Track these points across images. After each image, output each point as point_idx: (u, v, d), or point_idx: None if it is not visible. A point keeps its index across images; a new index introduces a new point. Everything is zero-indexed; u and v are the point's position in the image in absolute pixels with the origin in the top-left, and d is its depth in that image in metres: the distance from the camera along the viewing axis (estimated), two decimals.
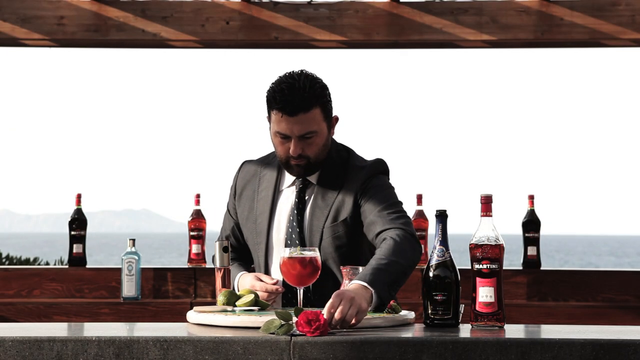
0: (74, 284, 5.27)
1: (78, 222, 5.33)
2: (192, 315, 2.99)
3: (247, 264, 3.50)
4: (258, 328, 2.74)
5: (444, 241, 2.90)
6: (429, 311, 2.88)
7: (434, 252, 2.90)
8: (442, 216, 2.91)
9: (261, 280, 3.28)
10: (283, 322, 2.68)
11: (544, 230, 5.45)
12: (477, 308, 2.82)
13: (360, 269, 3.06)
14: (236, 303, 3.10)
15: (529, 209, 5.33)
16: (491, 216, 2.87)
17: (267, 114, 3.35)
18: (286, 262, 2.99)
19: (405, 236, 3.18)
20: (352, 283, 2.98)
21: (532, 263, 5.31)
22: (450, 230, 2.93)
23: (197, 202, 5.31)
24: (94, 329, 2.84)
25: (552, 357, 2.58)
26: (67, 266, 5.37)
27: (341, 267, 3.19)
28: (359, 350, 2.60)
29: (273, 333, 2.67)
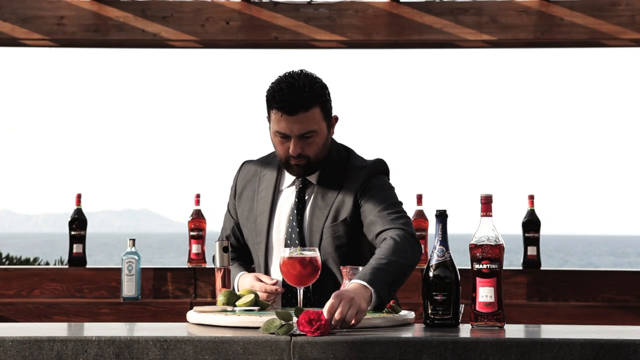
0: (74, 284, 5.27)
1: (78, 222, 5.33)
2: (192, 315, 2.99)
3: (247, 264, 3.50)
4: (258, 328, 2.74)
5: (444, 241, 2.90)
6: (429, 311, 2.88)
7: (434, 252, 2.90)
8: (442, 216, 2.91)
9: (261, 281, 3.29)
10: (283, 322, 2.68)
11: (544, 230, 5.45)
12: (477, 308, 2.82)
13: (360, 269, 3.06)
14: (236, 303, 3.10)
15: (529, 209, 5.33)
16: (491, 216, 2.87)
17: (266, 114, 3.36)
18: (286, 262, 2.99)
19: (405, 236, 3.18)
20: (352, 282, 2.98)
21: (532, 263, 5.31)
22: (450, 230, 2.93)
23: (197, 202, 5.31)
24: (94, 329, 2.84)
25: (552, 357, 2.58)
26: (67, 266, 5.37)
27: (341, 267, 3.19)
28: (359, 350, 2.60)
29: (273, 333, 2.67)
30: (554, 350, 2.58)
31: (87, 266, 5.36)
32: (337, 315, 2.76)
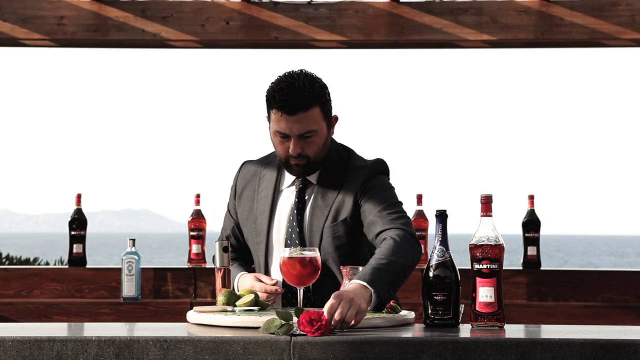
0: (74, 284, 5.27)
1: (78, 222, 5.33)
2: (192, 315, 3.00)
3: (247, 264, 3.50)
4: (258, 328, 2.74)
5: (444, 241, 2.90)
6: (429, 311, 2.88)
7: (434, 252, 2.90)
8: (442, 216, 2.91)
9: (261, 281, 3.29)
10: (283, 322, 2.68)
11: (544, 230, 5.46)
12: (477, 308, 2.82)
13: (360, 269, 3.06)
14: (236, 303, 3.10)
15: (529, 209, 5.33)
16: (491, 216, 2.87)
17: (266, 114, 3.36)
18: (286, 262, 2.99)
19: (405, 236, 3.18)
20: (352, 283, 2.98)
21: (532, 263, 5.31)
22: (450, 230, 2.93)
23: (197, 202, 5.31)
24: (94, 329, 2.84)
25: (552, 357, 2.58)
26: (67, 266, 5.37)
27: (341, 267, 3.19)
28: (359, 350, 2.60)
29: (273, 333, 2.67)
30: (554, 350, 2.58)
31: (87, 266, 5.36)
32: (337, 316, 2.76)
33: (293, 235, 3.34)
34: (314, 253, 3.01)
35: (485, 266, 2.82)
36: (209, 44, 5.70)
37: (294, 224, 3.35)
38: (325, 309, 2.75)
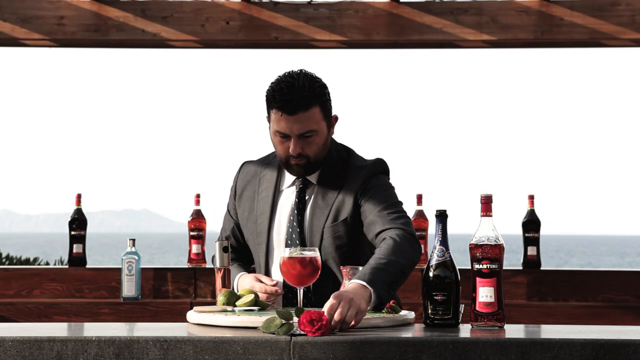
0: (74, 284, 5.27)
1: (78, 222, 5.33)
2: (192, 315, 3.00)
3: (247, 265, 3.50)
4: (258, 328, 2.74)
5: (444, 241, 2.90)
6: (429, 311, 2.88)
7: (434, 252, 2.90)
8: (442, 216, 2.91)
9: (261, 281, 3.29)
10: (284, 322, 2.68)
11: (544, 230, 5.45)
12: (477, 308, 2.82)
13: (360, 268, 3.06)
14: (236, 303, 3.10)
15: (529, 209, 5.33)
16: (491, 216, 2.87)
17: (266, 114, 3.36)
18: (286, 262, 2.99)
19: (405, 236, 3.18)
20: (351, 282, 2.98)
21: (532, 263, 5.31)
22: (450, 230, 2.93)
23: (197, 202, 5.31)
24: (94, 329, 2.84)
25: (552, 357, 2.58)
26: (67, 266, 5.37)
27: (341, 267, 3.19)
28: (359, 350, 2.60)
29: (273, 332, 2.67)
30: (554, 350, 2.58)
31: (87, 266, 5.36)
32: (336, 316, 2.75)
33: (293, 236, 3.34)
34: (314, 253, 3.01)
35: (485, 266, 2.82)
36: (209, 44, 5.70)
37: (295, 224, 3.35)
38: (325, 309, 2.75)
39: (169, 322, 3.84)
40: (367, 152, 3.45)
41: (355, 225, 3.32)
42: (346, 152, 3.43)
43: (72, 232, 5.32)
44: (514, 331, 2.81)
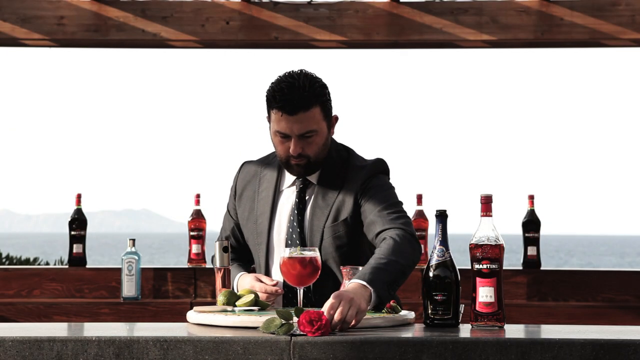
0: (74, 284, 5.27)
1: (78, 222, 5.33)
2: (192, 315, 3.00)
3: (247, 265, 3.50)
4: (258, 328, 2.74)
5: (444, 241, 2.90)
6: (429, 311, 2.88)
7: (434, 252, 2.90)
8: (442, 216, 2.91)
9: (261, 281, 3.29)
10: (283, 322, 2.68)
11: (544, 230, 5.45)
12: (477, 308, 2.82)
13: (360, 268, 3.06)
14: (236, 303, 3.10)
15: (529, 209, 5.33)
16: (491, 216, 2.87)
17: (267, 114, 3.36)
18: (286, 262, 2.99)
19: (405, 236, 3.18)
20: (351, 282, 2.98)
21: (532, 263, 5.31)
22: (450, 230, 2.93)
23: (197, 202, 5.31)
24: (94, 329, 2.84)
25: (552, 357, 2.58)
26: (67, 266, 5.37)
27: (341, 267, 3.19)
28: (359, 350, 2.60)
29: (273, 332, 2.67)
30: (554, 350, 2.58)
31: (87, 266, 5.36)
32: (337, 316, 2.76)
33: (294, 236, 3.34)
34: (314, 253, 3.01)
35: (485, 266, 2.82)
36: (209, 44, 5.70)
37: (295, 224, 3.35)
38: (325, 309, 2.75)
39: (169, 322, 3.84)
40: (367, 152, 3.45)
41: (355, 225, 3.32)
42: (346, 152, 3.43)
43: (72, 232, 5.32)
44: (514, 331, 2.81)
